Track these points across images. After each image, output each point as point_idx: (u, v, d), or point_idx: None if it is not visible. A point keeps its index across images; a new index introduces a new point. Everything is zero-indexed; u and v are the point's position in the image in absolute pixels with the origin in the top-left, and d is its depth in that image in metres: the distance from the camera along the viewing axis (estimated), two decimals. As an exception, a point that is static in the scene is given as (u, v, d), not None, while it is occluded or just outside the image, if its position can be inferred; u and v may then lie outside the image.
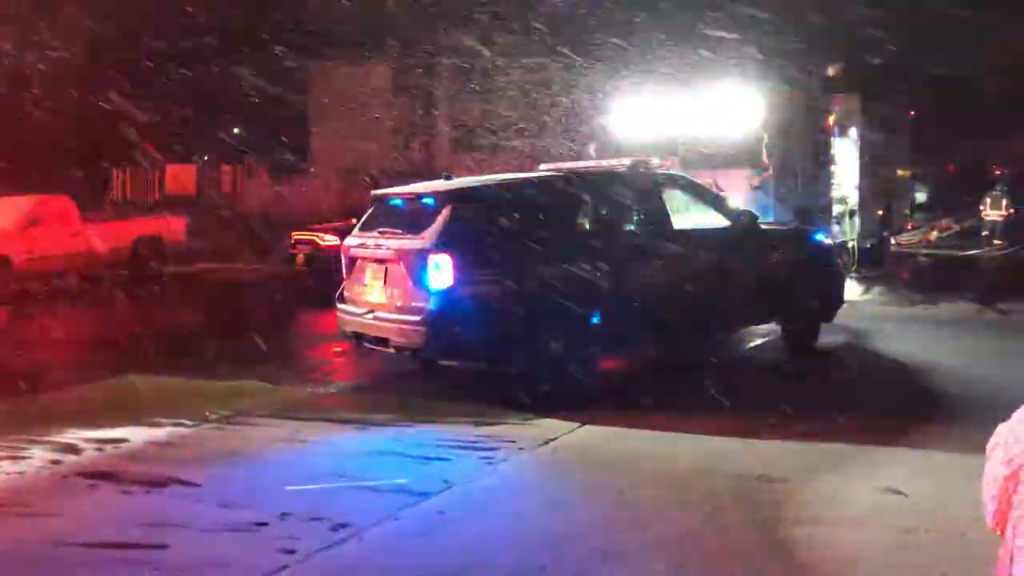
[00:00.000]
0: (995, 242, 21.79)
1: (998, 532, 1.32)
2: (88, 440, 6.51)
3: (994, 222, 22.33)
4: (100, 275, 16.31)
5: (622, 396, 7.72)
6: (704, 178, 11.20)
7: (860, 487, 5.36)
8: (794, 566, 4.30)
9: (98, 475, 5.75)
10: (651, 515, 4.99)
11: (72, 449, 6.32)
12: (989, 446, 1.45)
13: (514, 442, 6.46)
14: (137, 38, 24.47)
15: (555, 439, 6.52)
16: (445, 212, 7.58)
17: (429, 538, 4.75)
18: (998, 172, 25.59)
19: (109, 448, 6.37)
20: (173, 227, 18.07)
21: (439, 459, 6.08)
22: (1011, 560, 1.21)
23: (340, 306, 8.40)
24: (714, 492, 5.31)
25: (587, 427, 6.80)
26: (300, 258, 15.07)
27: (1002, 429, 1.48)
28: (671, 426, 6.72)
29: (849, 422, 6.69)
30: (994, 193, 22.40)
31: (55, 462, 6.04)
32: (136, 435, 6.68)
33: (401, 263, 7.66)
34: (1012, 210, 22.19)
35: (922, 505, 4.99)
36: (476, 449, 6.31)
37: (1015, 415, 1.45)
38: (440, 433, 6.71)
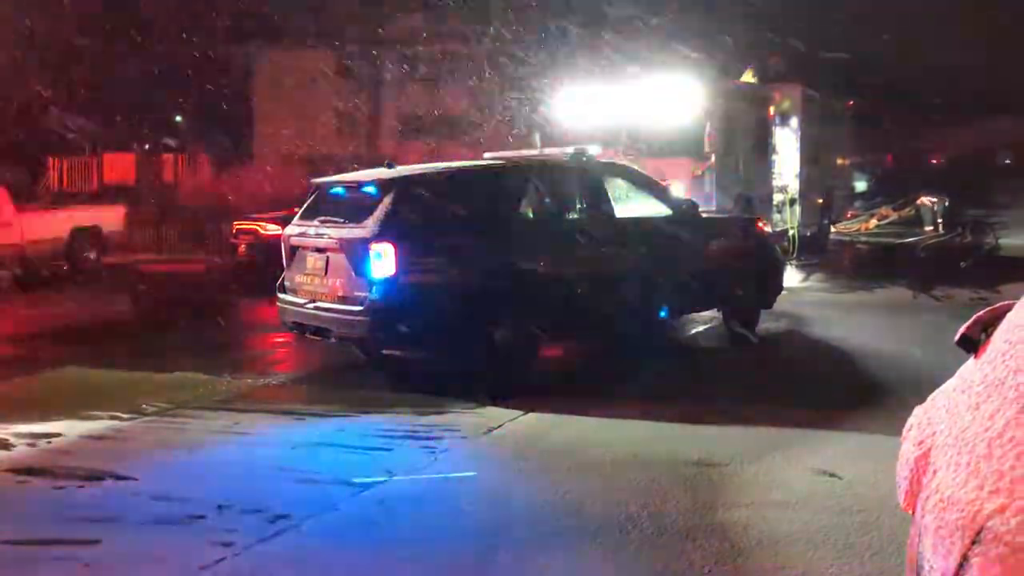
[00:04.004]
0: (927, 229, 22.37)
1: (909, 511, 1.35)
2: (20, 435, 6.34)
3: (931, 211, 22.92)
4: (36, 266, 15.92)
5: (565, 384, 7.76)
6: (646, 167, 11.28)
7: (796, 470, 5.45)
8: (730, 549, 4.36)
9: (30, 471, 5.62)
10: (591, 501, 5.02)
11: (2, 444, 6.15)
12: (905, 427, 1.48)
13: (457, 431, 6.46)
14: (76, 24, 23.87)
15: (498, 427, 6.53)
16: (387, 200, 7.53)
17: (369, 529, 4.73)
18: (935, 163, 26.26)
19: (42, 443, 6.21)
20: (112, 217, 17.68)
21: (381, 449, 6.05)
22: (919, 537, 1.23)
23: (281, 296, 8.29)
24: (654, 477, 5.36)
25: (530, 415, 6.82)
26: (242, 248, 14.89)
27: (918, 411, 1.50)
28: (613, 413, 6.77)
29: (787, 407, 6.80)
30: (933, 182, 23.01)
31: (-16, 458, 5.88)
32: (70, 429, 6.53)
33: (342, 252, 7.58)
34: (947, 201, 22.80)
35: (856, 487, 5.10)
36: (418, 439, 6.29)
37: (930, 397, 1.47)
38: (382, 423, 6.68)
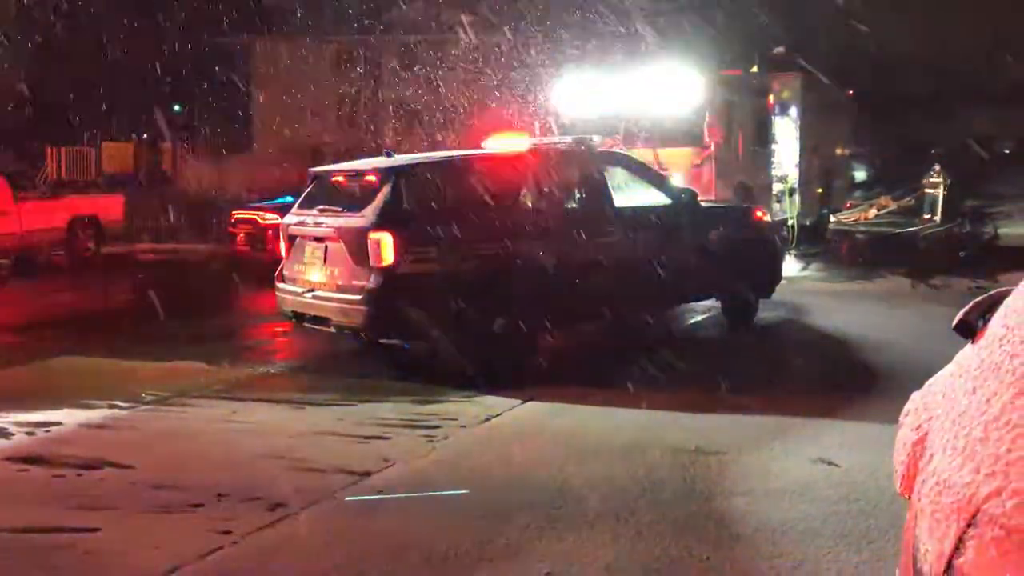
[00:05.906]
0: (923, 217, 22.34)
1: (906, 496, 1.34)
2: (19, 424, 6.35)
3: (931, 201, 22.87)
4: (34, 255, 15.92)
5: (564, 372, 7.76)
6: (646, 156, 11.27)
7: (794, 459, 5.45)
8: (727, 537, 4.37)
9: (28, 459, 5.62)
10: (589, 490, 5.02)
11: (1, 433, 6.16)
12: (903, 413, 1.48)
13: (456, 419, 6.47)
14: (75, 14, 23.81)
15: (497, 416, 6.53)
16: (385, 189, 7.52)
17: (367, 517, 4.73)
18: (935, 152, 26.20)
19: (40, 432, 6.22)
20: (110, 206, 17.67)
21: (379, 438, 6.05)
22: (915, 521, 1.23)
23: (279, 285, 8.29)
24: (651, 466, 5.37)
25: (529, 404, 6.82)
26: (241, 237, 14.89)
27: (915, 396, 1.50)
28: (611, 401, 6.77)
29: (785, 395, 6.81)
30: (932, 172, 22.95)
31: (-17, 446, 5.89)
32: (69, 418, 6.53)
33: (341, 241, 7.57)
34: (946, 191, 22.74)
35: (853, 475, 5.10)
36: (417, 427, 6.29)
37: (927, 383, 1.46)
38: (381, 412, 6.68)
